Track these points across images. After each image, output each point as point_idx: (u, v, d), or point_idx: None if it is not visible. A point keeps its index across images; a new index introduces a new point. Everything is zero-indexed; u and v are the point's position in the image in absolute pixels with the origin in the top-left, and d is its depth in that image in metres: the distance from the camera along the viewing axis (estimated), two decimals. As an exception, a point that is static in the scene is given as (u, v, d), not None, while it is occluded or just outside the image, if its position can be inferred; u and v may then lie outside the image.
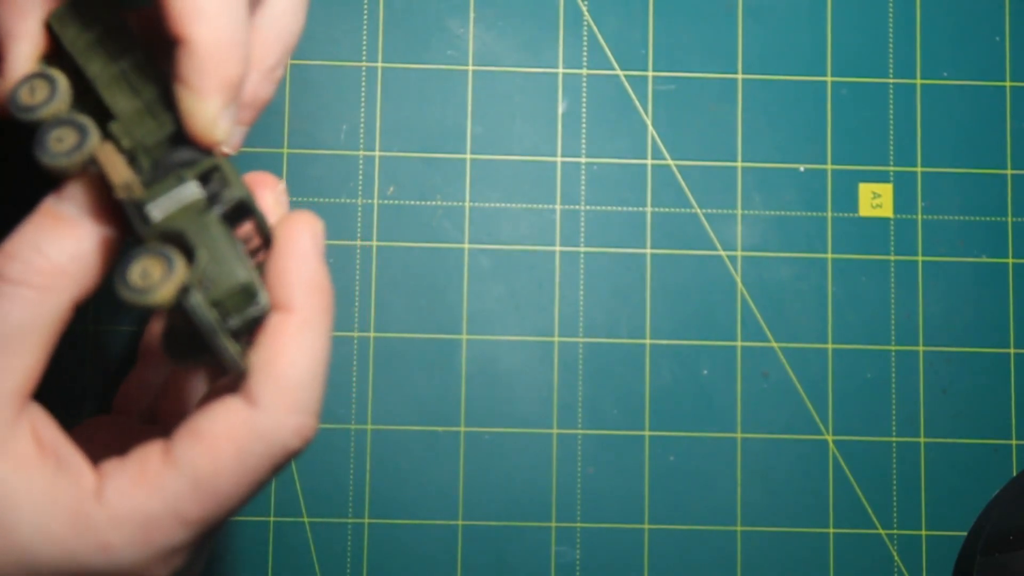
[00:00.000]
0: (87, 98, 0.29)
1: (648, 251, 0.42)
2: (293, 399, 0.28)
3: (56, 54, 0.30)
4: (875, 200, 0.42)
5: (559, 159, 0.42)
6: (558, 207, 0.42)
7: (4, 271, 0.27)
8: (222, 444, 0.27)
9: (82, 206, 0.28)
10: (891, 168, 0.43)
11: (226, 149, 0.29)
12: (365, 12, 0.42)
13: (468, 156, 0.42)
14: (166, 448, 0.28)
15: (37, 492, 0.27)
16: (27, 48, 0.29)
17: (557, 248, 0.42)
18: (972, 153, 0.43)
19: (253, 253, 0.30)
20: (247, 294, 0.27)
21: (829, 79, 0.43)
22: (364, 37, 0.42)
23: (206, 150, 0.28)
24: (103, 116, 0.29)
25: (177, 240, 0.27)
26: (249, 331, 0.28)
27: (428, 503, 0.41)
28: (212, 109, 0.28)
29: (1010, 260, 0.42)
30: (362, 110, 0.42)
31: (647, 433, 0.41)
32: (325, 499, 0.41)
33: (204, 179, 0.28)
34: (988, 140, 0.43)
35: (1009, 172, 0.43)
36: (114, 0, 0.30)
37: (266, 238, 0.29)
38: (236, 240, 0.28)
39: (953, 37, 0.43)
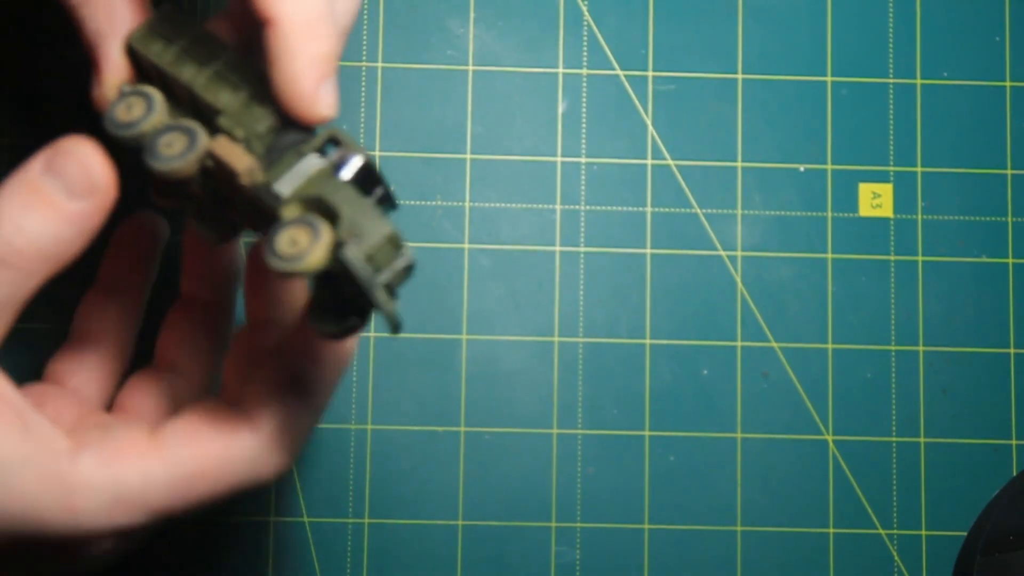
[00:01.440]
0: (180, 110, 0.30)
1: (648, 251, 0.42)
2: (291, 440, 0.29)
3: (139, 75, 0.30)
4: (875, 200, 0.42)
5: (559, 159, 0.42)
6: (558, 207, 0.42)
7: None
8: (212, 453, 0.28)
9: (71, 184, 0.28)
10: (891, 168, 0.43)
11: (331, 112, 0.29)
12: (365, 12, 0.42)
13: (468, 156, 0.42)
14: (154, 438, 0.29)
15: (6, 449, 0.27)
16: (115, 72, 0.30)
17: (557, 248, 0.42)
18: (972, 153, 0.43)
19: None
20: (395, 244, 0.27)
21: (829, 79, 0.43)
22: (364, 37, 0.42)
23: (313, 127, 0.29)
24: (210, 113, 0.29)
25: (316, 206, 0.27)
26: (398, 283, 0.28)
27: (428, 503, 0.41)
28: (310, 87, 0.28)
29: (1010, 260, 0.42)
30: (362, 110, 0.42)
31: (647, 433, 0.41)
32: (325, 499, 0.41)
33: (321, 152, 0.29)
34: (988, 140, 0.43)
35: (1009, 172, 0.43)
36: (189, 12, 0.30)
37: (390, 200, 0.29)
38: (369, 198, 0.28)
39: (953, 37, 0.43)
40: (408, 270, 0.28)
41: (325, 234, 0.26)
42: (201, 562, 0.40)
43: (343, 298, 0.28)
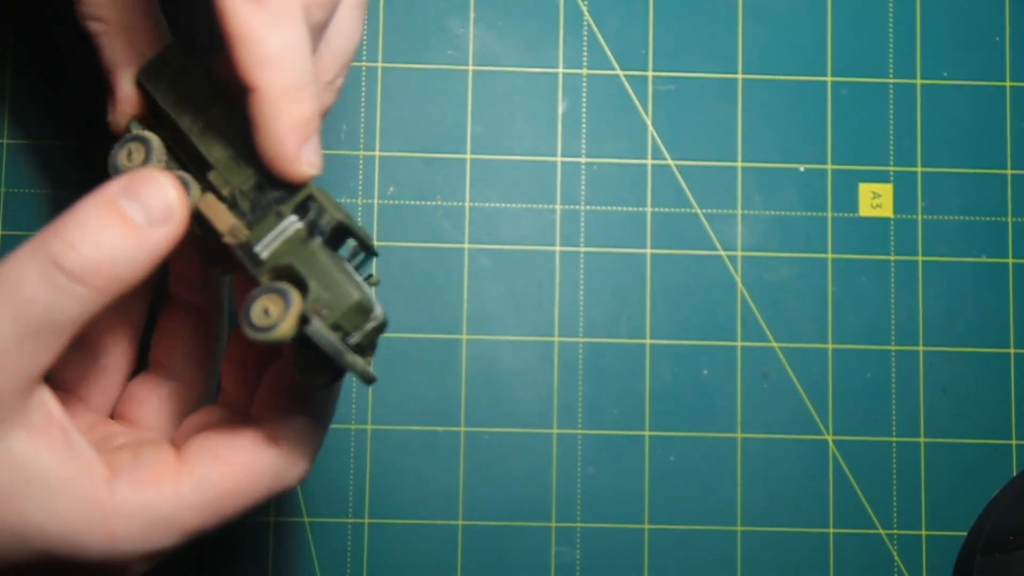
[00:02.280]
0: (185, 148, 0.31)
1: (648, 251, 0.42)
2: (309, 448, 0.30)
3: (148, 106, 0.32)
4: (875, 200, 0.42)
5: (559, 159, 0.42)
6: (558, 207, 0.42)
7: (63, 260, 0.27)
8: (240, 471, 0.29)
9: (150, 209, 0.29)
10: (891, 168, 0.43)
11: (313, 172, 0.30)
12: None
13: (468, 156, 0.42)
14: (181, 459, 0.29)
15: (50, 469, 0.28)
16: (127, 104, 0.32)
17: (557, 248, 0.42)
18: (972, 153, 0.43)
19: (358, 267, 0.31)
20: (362, 310, 0.29)
21: (829, 79, 0.43)
22: (364, 37, 0.42)
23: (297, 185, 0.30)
24: (202, 164, 0.31)
25: (288, 274, 0.29)
26: (371, 342, 0.30)
27: (428, 503, 0.41)
28: (291, 150, 0.29)
29: (1010, 260, 0.42)
30: (362, 110, 0.42)
31: (647, 433, 0.41)
32: (325, 499, 0.41)
33: (302, 209, 0.30)
34: (988, 140, 0.43)
35: (1009, 172, 0.43)
36: (196, 52, 0.32)
37: (368, 250, 0.31)
38: (343, 260, 0.30)
39: (953, 37, 0.43)
40: (379, 328, 0.29)
41: (295, 305, 0.28)
42: (201, 562, 0.40)
43: (321, 356, 0.29)
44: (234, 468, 0.29)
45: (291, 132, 0.29)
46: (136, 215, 0.28)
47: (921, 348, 0.42)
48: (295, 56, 0.29)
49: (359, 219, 0.42)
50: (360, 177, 0.42)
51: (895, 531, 0.41)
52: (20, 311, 0.27)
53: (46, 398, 0.28)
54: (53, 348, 0.28)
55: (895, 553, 0.41)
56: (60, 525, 0.28)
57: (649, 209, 0.42)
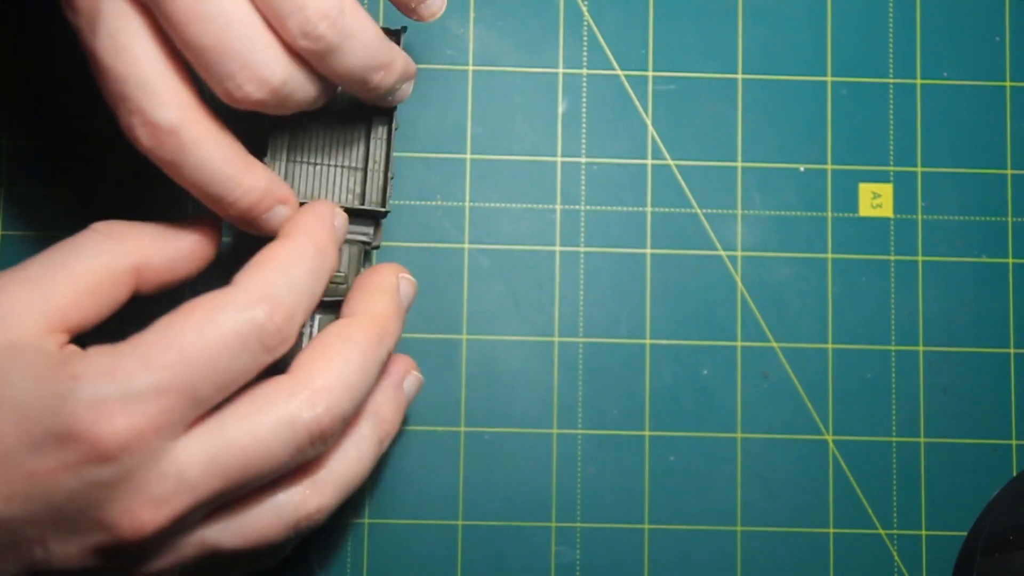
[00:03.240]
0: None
1: (648, 251, 0.42)
2: (265, 284, 0.31)
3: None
4: (875, 200, 0.42)
5: (559, 159, 0.42)
6: (558, 207, 0.42)
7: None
8: (193, 307, 0.30)
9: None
10: (891, 168, 0.43)
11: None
12: (365, 12, 0.42)
13: (468, 156, 0.42)
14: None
15: (37, 363, 0.29)
16: None
17: (557, 248, 0.42)
18: (972, 153, 0.43)
19: None
20: None
21: (829, 79, 0.43)
22: (364, 37, 0.42)
23: None
24: None
25: None
26: None
27: (428, 503, 0.41)
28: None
29: (1010, 260, 0.42)
30: (362, 110, 0.42)
31: (647, 433, 0.41)
32: (325, 499, 0.41)
33: None
34: (988, 140, 0.43)
35: (1009, 172, 0.43)
36: None
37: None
38: None
39: (953, 37, 0.43)
40: None
41: None
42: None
43: None
44: (186, 308, 0.30)
45: (390, 94, 0.34)
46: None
47: (921, 348, 0.42)
48: (369, 60, 0.34)
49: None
50: (360, 177, 0.42)
51: (895, 531, 0.41)
52: None
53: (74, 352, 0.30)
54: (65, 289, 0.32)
55: (895, 553, 0.41)
56: (34, 381, 0.29)
57: (649, 209, 0.42)
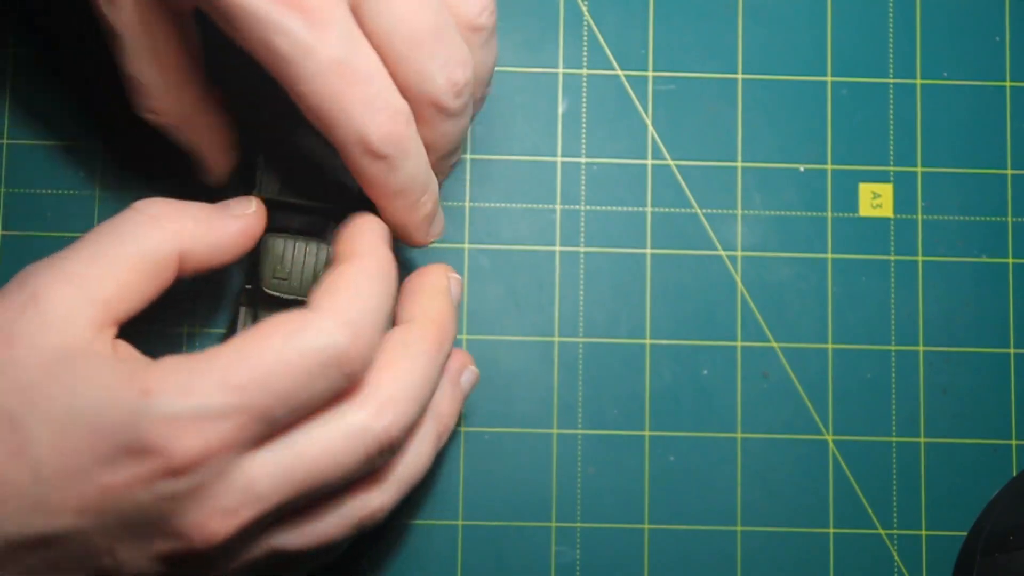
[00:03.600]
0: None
1: (648, 251, 0.42)
2: (347, 310, 0.30)
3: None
4: (875, 200, 0.42)
5: (559, 159, 0.42)
6: (558, 207, 0.42)
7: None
8: (274, 328, 0.29)
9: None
10: (891, 168, 0.43)
11: (437, 238, 0.36)
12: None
13: (468, 156, 0.42)
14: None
15: (102, 372, 0.29)
16: None
17: (557, 248, 0.42)
18: (972, 153, 0.43)
19: None
20: None
21: (829, 79, 0.43)
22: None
23: None
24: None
25: None
26: None
27: (428, 503, 0.41)
28: (422, 238, 0.36)
29: (1010, 260, 0.42)
30: (362, 110, 0.42)
31: (647, 433, 0.41)
32: (325, 499, 0.41)
33: None
34: (988, 140, 0.43)
35: (1009, 172, 0.43)
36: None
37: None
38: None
39: (953, 37, 0.43)
40: None
41: None
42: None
43: None
44: (263, 327, 0.29)
45: (420, 226, 0.34)
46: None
47: (921, 348, 0.42)
48: (420, 182, 0.33)
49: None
50: (360, 177, 0.42)
51: (895, 531, 0.41)
52: None
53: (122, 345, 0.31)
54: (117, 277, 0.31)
55: (895, 553, 0.41)
56: (103, 392, 0.28)
57: (649, 209, 0.42)
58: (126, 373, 0.29)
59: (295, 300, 0.35)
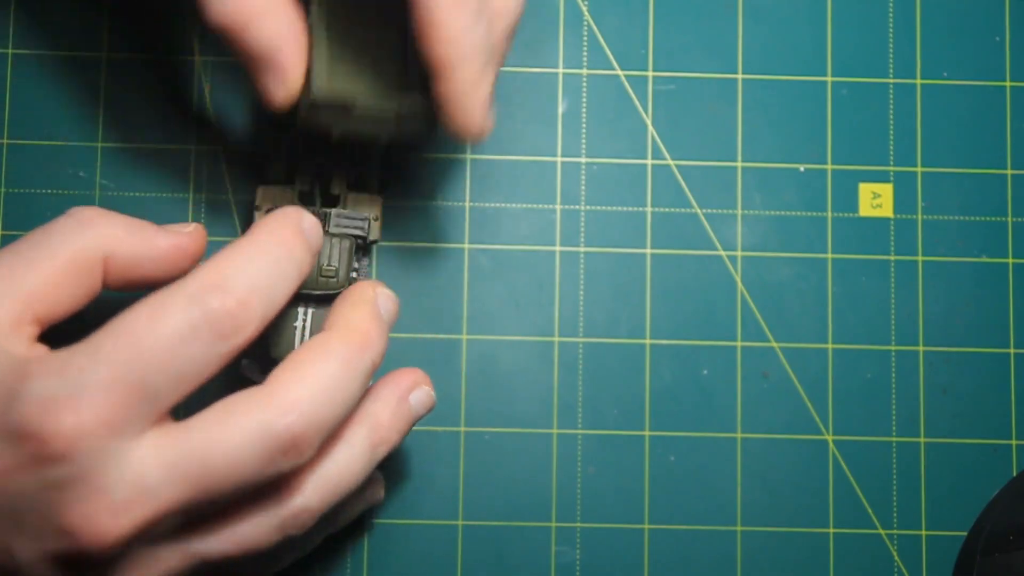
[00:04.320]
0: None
1: (648, 251, 0.42)
2: (217, 272, 0.30)
3: None
4: (875, 200, 0.42)
5: (559, 159, 0.42)
6: (558, 207, 0.42)
7: None
8: (145, 300, 0.30)
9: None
10: (891, 168, 0.43)
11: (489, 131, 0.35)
12: (365, 12, 0.42)
13: (468, 156, 0.42)
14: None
15: None
16: None
17: (557, 248, 0.42)
18: (972, 153, 0.43)
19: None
20: None
21: (829, 79, 0.43)
22: (364, 37, 0.42)
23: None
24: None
25: None
26: None
27: (428, 503, 0.41)
28: (479, 123, 0.35)
29: (1010, 260, 0.42)
30: (362, 110, 0.42)
31: (647, 433, 0.41)
32: (325, 499, 0.41)
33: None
34: (988, 140, 0.43)
35: (1009, 172, 0.43)
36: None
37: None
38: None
39: (953, 37, 0.43)
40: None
41: None
42: (201, 562, 0.40)
43: None
44: (145, 303, 0.30)
45: (482, 105, 0.34)
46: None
47: (921, 348, 0.42)
48: (486, 49, 0.33)
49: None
50: (360, 177, 0.42)
51: (895, 531, 0.41)
52: None
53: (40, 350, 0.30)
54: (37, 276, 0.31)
55: (895, 553, 0.41)
56: None
57: (649, 209, 0.42)
58: (19, 362, 0.29)
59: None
